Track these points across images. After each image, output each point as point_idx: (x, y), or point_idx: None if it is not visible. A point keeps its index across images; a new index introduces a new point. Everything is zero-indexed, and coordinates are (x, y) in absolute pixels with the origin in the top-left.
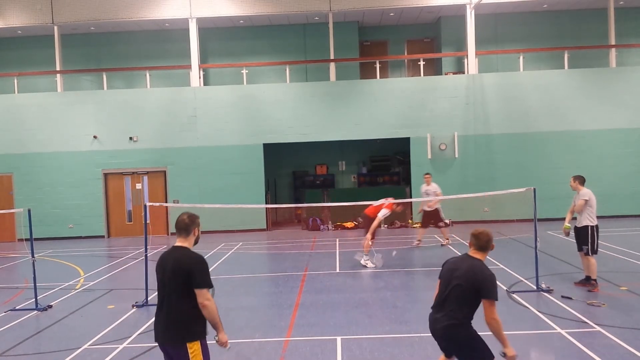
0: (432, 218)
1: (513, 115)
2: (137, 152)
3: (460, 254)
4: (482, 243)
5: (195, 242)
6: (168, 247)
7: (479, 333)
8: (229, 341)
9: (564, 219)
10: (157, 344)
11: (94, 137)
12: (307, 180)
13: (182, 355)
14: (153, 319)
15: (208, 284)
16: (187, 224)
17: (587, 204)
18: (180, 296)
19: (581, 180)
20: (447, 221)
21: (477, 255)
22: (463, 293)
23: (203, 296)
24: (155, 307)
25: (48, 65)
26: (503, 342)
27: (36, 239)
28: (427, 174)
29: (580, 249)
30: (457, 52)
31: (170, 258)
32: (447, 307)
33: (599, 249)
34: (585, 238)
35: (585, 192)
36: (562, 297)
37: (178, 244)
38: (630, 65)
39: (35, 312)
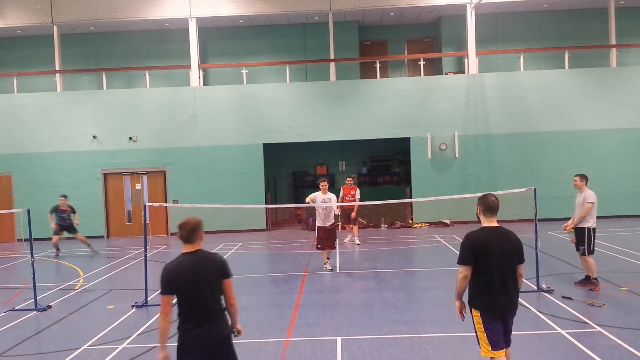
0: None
1: (513, 115)
2: (137, 152)
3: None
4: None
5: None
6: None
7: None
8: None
9: (564, 219)
10: (157, 344)
11: (94, 137)
12: (307, 180)
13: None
14: (153, 319)
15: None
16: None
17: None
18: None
19: (586, 179)
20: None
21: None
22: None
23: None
24: (154, 307)
25: (47, 65)
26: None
27: (35, 239)
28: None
29: (578, 249)
30: (457, 51)
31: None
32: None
33: (595, 249)
34: (581, 239)
35: (591, 195)
36: (563, 297)
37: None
38: (630, 65)
39: (35, 312)
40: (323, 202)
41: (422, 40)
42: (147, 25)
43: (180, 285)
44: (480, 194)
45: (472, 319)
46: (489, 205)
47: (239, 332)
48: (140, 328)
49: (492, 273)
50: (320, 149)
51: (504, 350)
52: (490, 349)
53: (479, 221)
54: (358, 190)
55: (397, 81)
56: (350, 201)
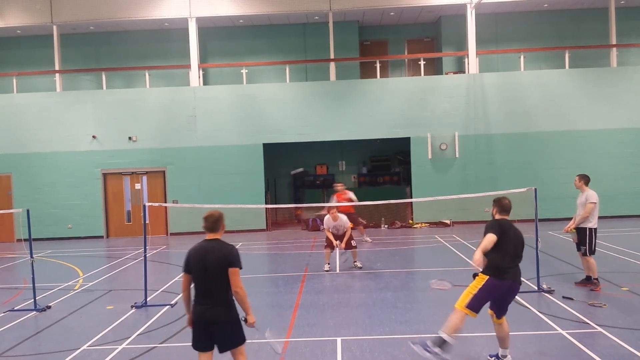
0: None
1: (513, 115)
2: (136, 152)
3: (461, 254)
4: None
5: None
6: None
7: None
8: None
9: (565, 219)
10: (160, 343)
11: (93, 137)
12: (307, 180)
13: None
14: (152, 320)
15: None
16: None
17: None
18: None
19: (586, 180)
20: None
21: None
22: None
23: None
24: (154, 307)
25: (47, 65)
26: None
27: (35, 240)
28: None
29: (578, 249)
30: (457, 51)
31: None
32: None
33: (596, 249)
34: (583, 239)
35: (593, 195)
36: (563, 297)
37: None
38: (631, 65)
39: (34, 312)
40: (335, 228)
41: (422, 40)
42: (147, 25)
43: (192, 266)
44: (480, 195)
45: (474, 282)
46: (503, 207)
47: (247, 322)
48: (140, 328)
49: (509, 252)
50: (320, 149)
51: (475, 315)
52: (465, 304)
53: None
54: (352, 193)
55: (397, 81)
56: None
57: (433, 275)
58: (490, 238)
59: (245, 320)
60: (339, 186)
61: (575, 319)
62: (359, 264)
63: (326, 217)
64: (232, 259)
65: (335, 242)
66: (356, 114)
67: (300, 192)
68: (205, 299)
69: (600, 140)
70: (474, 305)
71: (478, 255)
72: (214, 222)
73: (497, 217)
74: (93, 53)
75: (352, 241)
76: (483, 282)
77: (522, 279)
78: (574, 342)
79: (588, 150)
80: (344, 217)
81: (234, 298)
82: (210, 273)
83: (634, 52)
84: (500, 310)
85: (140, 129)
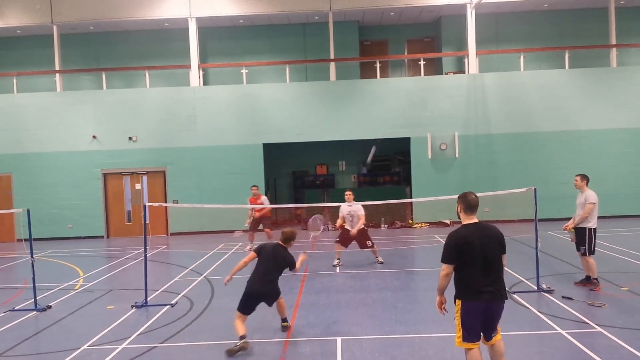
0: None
1: (513, 115)
2: (137, 152)
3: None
4: (477, 204)
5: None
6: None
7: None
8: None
9: (565, 219)
10: (160, 343)
11: (93, 137)
12: (307, 180)
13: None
14: (152, 320)
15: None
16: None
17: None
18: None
19: (587, 179)
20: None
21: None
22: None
23: None
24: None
25: (47, 65)
26: None
27: (35, 239)
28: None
29: (578, 249)
30: (457, 51)
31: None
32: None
33: (596, 249)
34: (582, 239)
35: (592, 195)
36: (563, 297)
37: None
38: (631, 64)
39: (35, 312)
40: (350, 215)
41: (422, 40)
42: (147, 25)
43: (261, 255)
44: (480, 194)
45: (455, 311)
46: (469, 204)
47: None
48: (140, 328)
49: (477, 266)
50: (320, 149)
51: (477, 343)
52: (461, 339)
53: (459, 220)
54: (264, 197)
55: (397, 81)
56: (259, 210)
57: (433, 275)
58: (442, 273)
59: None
60: (253, 189)
61: (575, 319)
62: (380, 259)
63: (342, 205)
64: (290, 261)
65: (348, 241)
66: (356, 114)
67: (300, 192)
68: (259, 278)
69: (600, 140)
70: (468, 336)
71: (438, 300)
72: (289, 238)
73: (462, 215)
74: (93, 53)
75: (368, 241)
76: (459, 309)
77: (520, 277)
78: (574, 342)
79: (588, 150)
80: (358, 204)
81: None
82: (272, 264)
83: (634, 52)
84: (486, 330)
85: (140, 129)
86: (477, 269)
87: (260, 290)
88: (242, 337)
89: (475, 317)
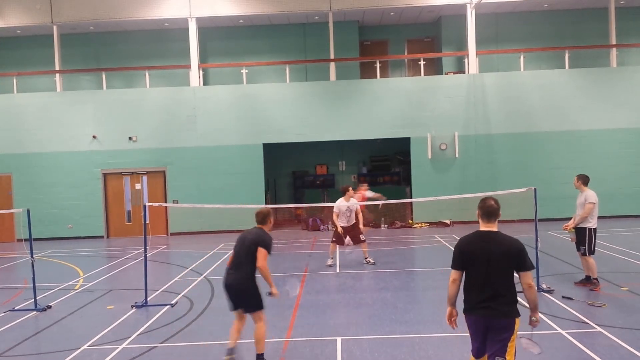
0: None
1: (513, 115)
2: (137, 152)
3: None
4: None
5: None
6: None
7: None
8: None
9: (565, 219)
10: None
11: (93, 137)
12: (307, 180)
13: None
14: (152, 320)
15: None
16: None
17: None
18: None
19: (585, 180)
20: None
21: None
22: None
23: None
24: (154, 307)
25: (47, 65)
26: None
27: (35, 239)
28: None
29: (578, 249)
30: (457, 51)
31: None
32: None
33: (596, 249)
34: (582, 239)
35: (592, 195)
36: (563, 297)
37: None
38: (631, 64)
39: (35, 312)
40: (349, 210)
41: (422, 40)
42: (147, 25)
43: (236, 243)
44: (480, 194)
45: None
46: (485, 210)
47: (271, 294)
48: (140, 328)
49: (476, 278)
50: (320, 149)
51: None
52: (471, 352)
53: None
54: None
55: (397, 81)
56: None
57: (433, 275)
58: (450, 279)
59: (268, 294)
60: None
61: (575, 319)
62: (371, 260)
63: (338, 201)
64: (260, 240)
65: (345, 240)
66: (356, 114)
67: (300, 192)
68: (234, 269)
69: (600, 140)
70: (473, 349)
71: (447, 312)
72: (264, 216)
73: (480, 222)
74: (93, 53)
75: (361, 235)
76: (466, 321)
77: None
78: (574, 342)
79: (588, 150)
80: (354, 199)
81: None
82: (243, 250)
83: (634, 52)
84: (489, 349)
85: (140, 129)
86: (475, 281)
87: (227, 279)
88: (229, 352)
89: (475, 330)
